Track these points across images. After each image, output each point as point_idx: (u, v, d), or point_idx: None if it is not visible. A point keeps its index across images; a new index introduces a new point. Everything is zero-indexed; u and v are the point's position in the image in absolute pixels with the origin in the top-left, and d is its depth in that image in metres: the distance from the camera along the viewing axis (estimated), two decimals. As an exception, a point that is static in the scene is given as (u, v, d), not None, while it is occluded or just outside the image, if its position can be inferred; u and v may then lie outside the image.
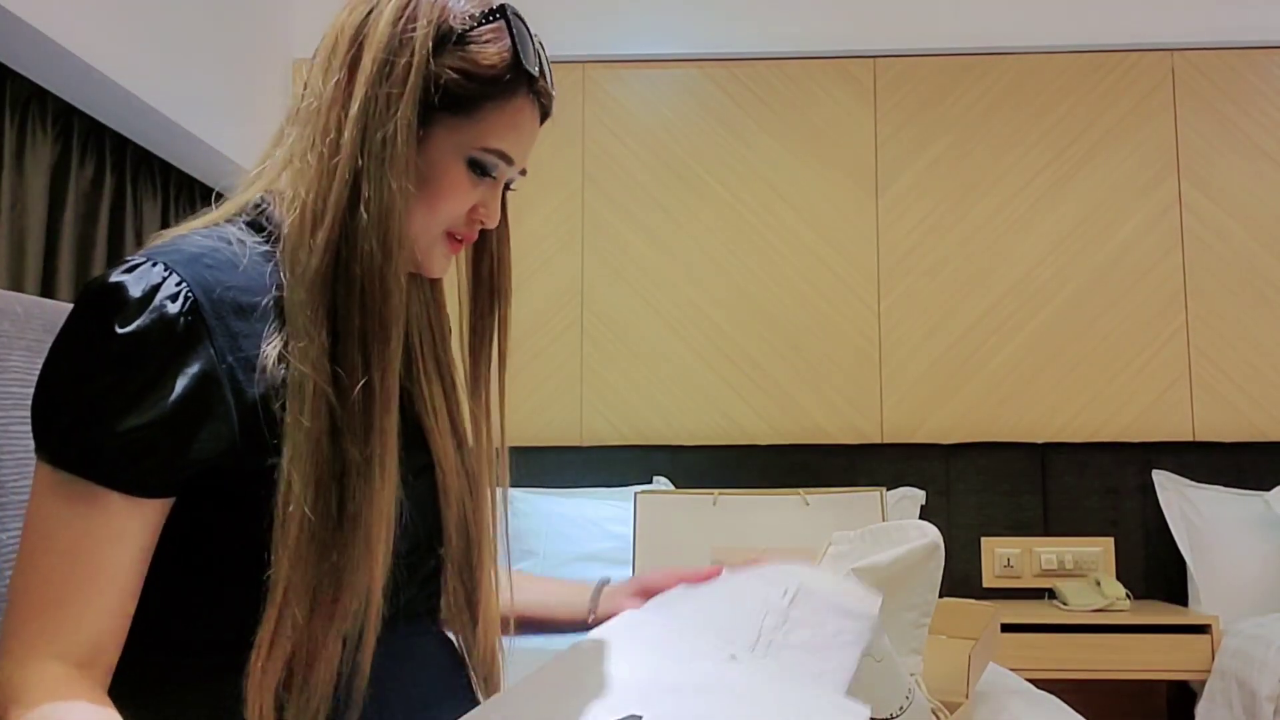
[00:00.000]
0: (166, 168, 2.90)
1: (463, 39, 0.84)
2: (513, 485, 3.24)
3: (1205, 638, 2.63)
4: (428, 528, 0.89)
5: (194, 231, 0.84)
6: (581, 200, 3.43)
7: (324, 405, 0.78)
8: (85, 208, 2.58)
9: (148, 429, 0.74)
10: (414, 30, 0.82)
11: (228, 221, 0.86)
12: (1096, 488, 3.12)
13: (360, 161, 0.81)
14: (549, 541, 2.84)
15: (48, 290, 2.42)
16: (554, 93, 0.91)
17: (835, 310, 3.34)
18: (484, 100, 0.85)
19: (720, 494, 1.91)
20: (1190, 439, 3.20)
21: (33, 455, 0.93)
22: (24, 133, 2.36)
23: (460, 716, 0.89)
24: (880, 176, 3.39)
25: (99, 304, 0.76)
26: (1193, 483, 3.02)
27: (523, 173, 0.93)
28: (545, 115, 0.92)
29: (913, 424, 3.29)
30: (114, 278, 0.77)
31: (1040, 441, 3.21)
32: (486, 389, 0.96)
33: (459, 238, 0.90)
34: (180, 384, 0.76)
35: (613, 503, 2.88)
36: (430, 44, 0.83)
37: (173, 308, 0.76)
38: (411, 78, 0.82)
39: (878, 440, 3.29)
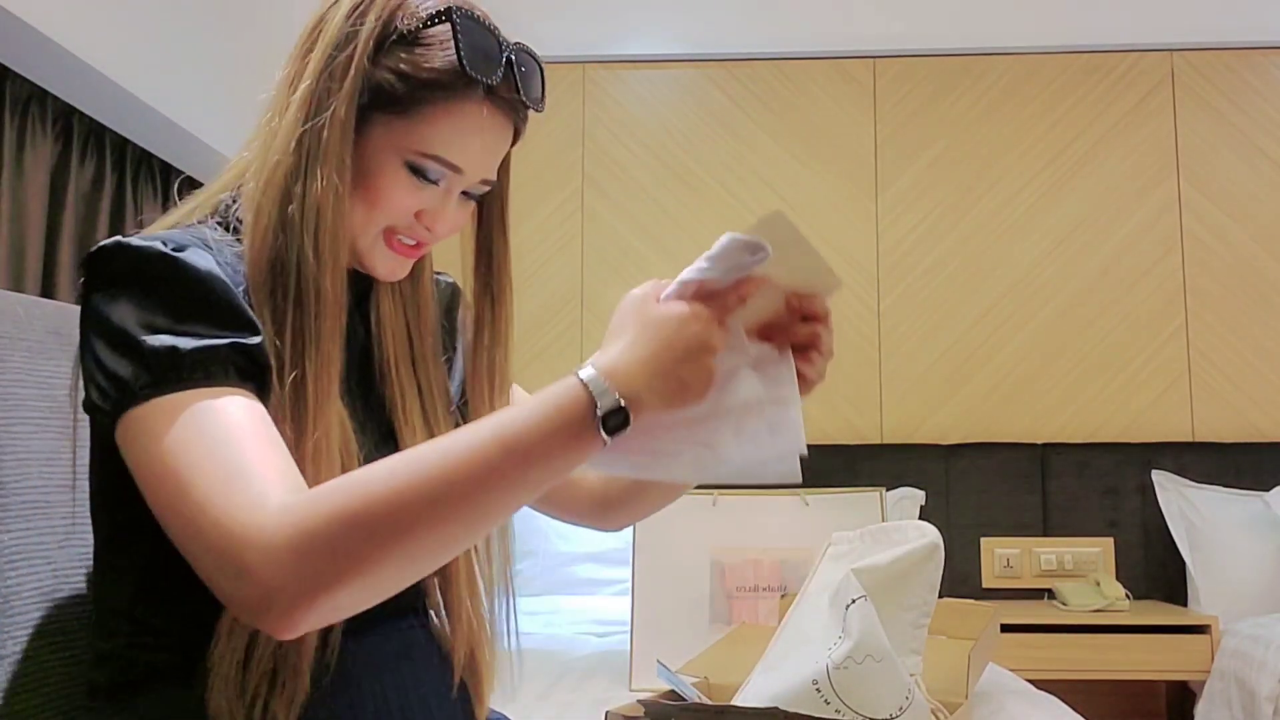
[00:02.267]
0: (166, 168, 2.91)
1: (406, 39, 0.83)
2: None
3: (1204, 638, 2.63)
4: None
5: (169, 230, 0.84)
6: (581, 200, 3.43)
7: (284, 406, 0.77)
8: (85, 208, 2.58)
9: (218, 317, 0.76)
10: (361, 27, 0.82)
11: (200, 221, 0.86)
12: (1096, 488, 3.12)
13: (294, 158, 0.81)
14: (549, 541, 2.85)
15: (48, 291, 2.43)
16: (528, 100, 0.87)
17: (835, 310, 3.30)
18: (423, 104, 0.82)
19: (720, 494, 1.91)
20: (1189, 439, 3.20)
21: (34, 455, 0.93)
22: (24, 133, 2.36)
23: (448, 712, 0.89)
24: (879, 177, 3.40)
25: (128, 248, 0.76)
26: (1192, 483, 3.03)
27: (484, 183, 0.89)
28: (517, 122, 0.89)
29: (912, 424, 3.29)
30: (110, 240, 0.78)
31: (1040, 442, 3.22)
32: (491, 392, 0.95)
33: (408, 242, 0.87)
34: (218, 279, 0.77)
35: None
36: (373, 42, 0.82)
37: (205, 258, 0.78)
38: (351, 73, 0.81)
39: (877, 440, 3.29)
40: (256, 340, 0.76)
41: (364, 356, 0.92)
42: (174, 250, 0.77)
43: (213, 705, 0.75)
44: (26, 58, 2.27)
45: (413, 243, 0.88)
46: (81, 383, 0.78)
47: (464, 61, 0.82)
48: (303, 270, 0.79)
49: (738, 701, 1.12)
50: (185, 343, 0.73)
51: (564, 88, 3.48)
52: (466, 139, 0.84)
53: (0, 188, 2.29)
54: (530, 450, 0.69)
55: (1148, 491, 3.06)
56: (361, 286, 0.93)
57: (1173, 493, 3.01)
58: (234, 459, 0.69)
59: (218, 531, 0.67)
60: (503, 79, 0.84)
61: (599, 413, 0.69)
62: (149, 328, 0.74)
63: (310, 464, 0.76)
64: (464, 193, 0.89)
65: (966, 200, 3.37)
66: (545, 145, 3.45)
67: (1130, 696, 3.04)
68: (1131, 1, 3.28)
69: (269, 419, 0.75)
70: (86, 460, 0.87)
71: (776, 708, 0.96)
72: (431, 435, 0.92)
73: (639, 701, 1.06)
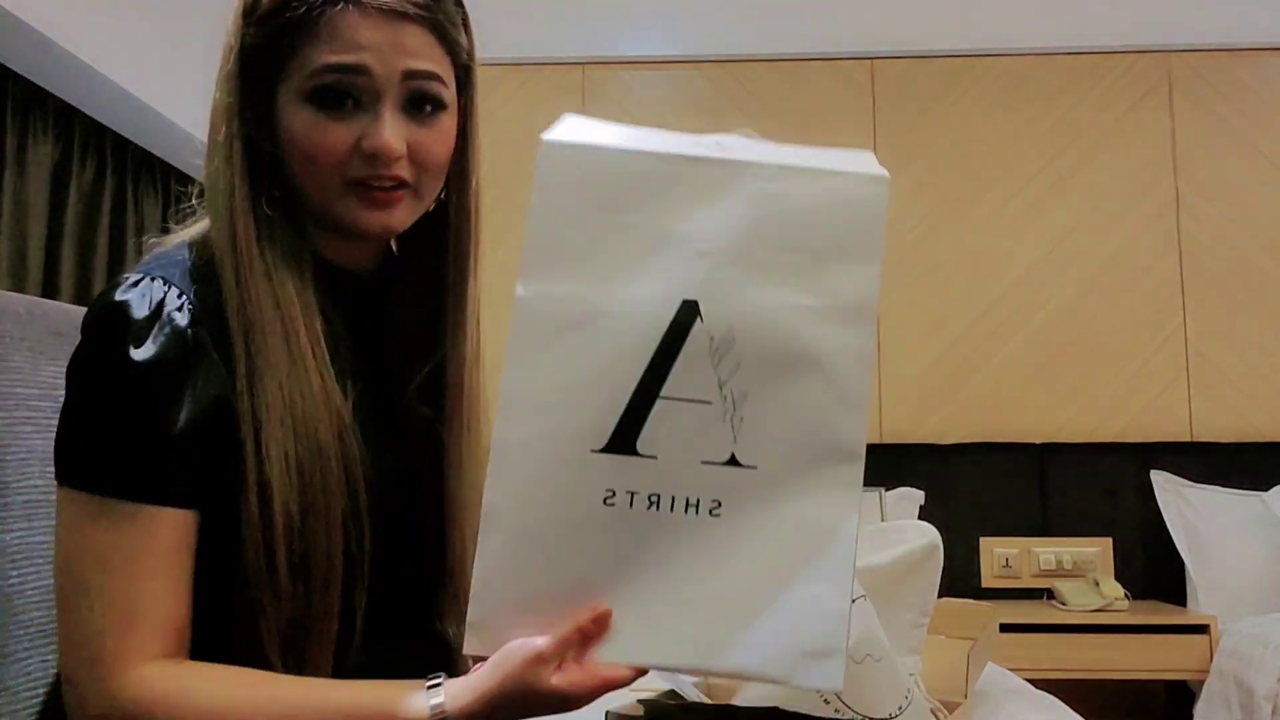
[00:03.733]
0: (167, 168, 2.91)
1: (253, 5, 0.82)
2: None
3: (1203, 637, 2.64)
4: (413, 533, 0.88)
5: (183, 243, 0.84)
6: (581, 201, 3.43)
7: (244, 416, 0.78)
8: (86, 208, 2.59)
9: (181, 441, 0.76)
10: (231, 17, 0.83)
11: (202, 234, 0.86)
12: (1095, 488, 3.12)
13: (214, 163, 0.82)
14: (548, 542, 2.85)
15: (49, 291, 2.43)
16: None
17: (834, 311, 3.34)
18: (285, 35, 0.79)
19: (720, 494, 1.91)
20: (1188, 439, 3.21)
21: (35, 455, 0.94)
22: (25, 134, 2.36)
23: None
24: (879, 177, 3.40)
25: (109, 327, 0.77)
26: (1190, 483, 3.03)
27: (425, 77, 0.81)
28: (409, 14, 0.80)
29: (911, 424, 3.29)
30: (118, 296, 0.78)
31: (1039, 442, 3.22)
32: (467, 358, 0.91)
33: (372, 185, 0.81)
34: (202, 392, 0.77)
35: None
36: (240, 19, 0.82)
37: (181, 320, 0.77)
38: (233, 59, 0.82)
39: (876, 440, 3.29)
40: (194, 430, 0.77)
41: (379, 360, 0.90)
42: (139, 340, 0.77)
43: None
44: (27, 59, 2.27)
45: (383, 185, 0.81)
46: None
47: None
48: (228, 274, 0.81)
49: (738, 701, 1.12)
50: (139, 451, 0.76)
51: (563, 88, 3.48)
52: (345, 39, 0.78)
53: (2, 188, 2.29)
54: None
55: (1146, 491, 3.07)
56: (381, 282, 0.91)
57: (1171, 493, 3.01)
58: (116, 606, 0.74)
59: (71, 670, 0.75)
60: None
61: None
62: (104, 417, 0.76)
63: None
64: (411, 105, 0.81)
65: (965, 201, 3.37)
66: (545, 146, 3.45)
67: (1129, 696, 3.04)
68: (1129, 3, 3.29)
69: (182, 548, 0.77)
70: None
71: (776, 707, 0.97)
72: (444, 438, 0.90)
73: (639, 701, 1.06)
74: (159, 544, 0.76)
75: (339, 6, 0.78)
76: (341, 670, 0.80)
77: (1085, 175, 3.35)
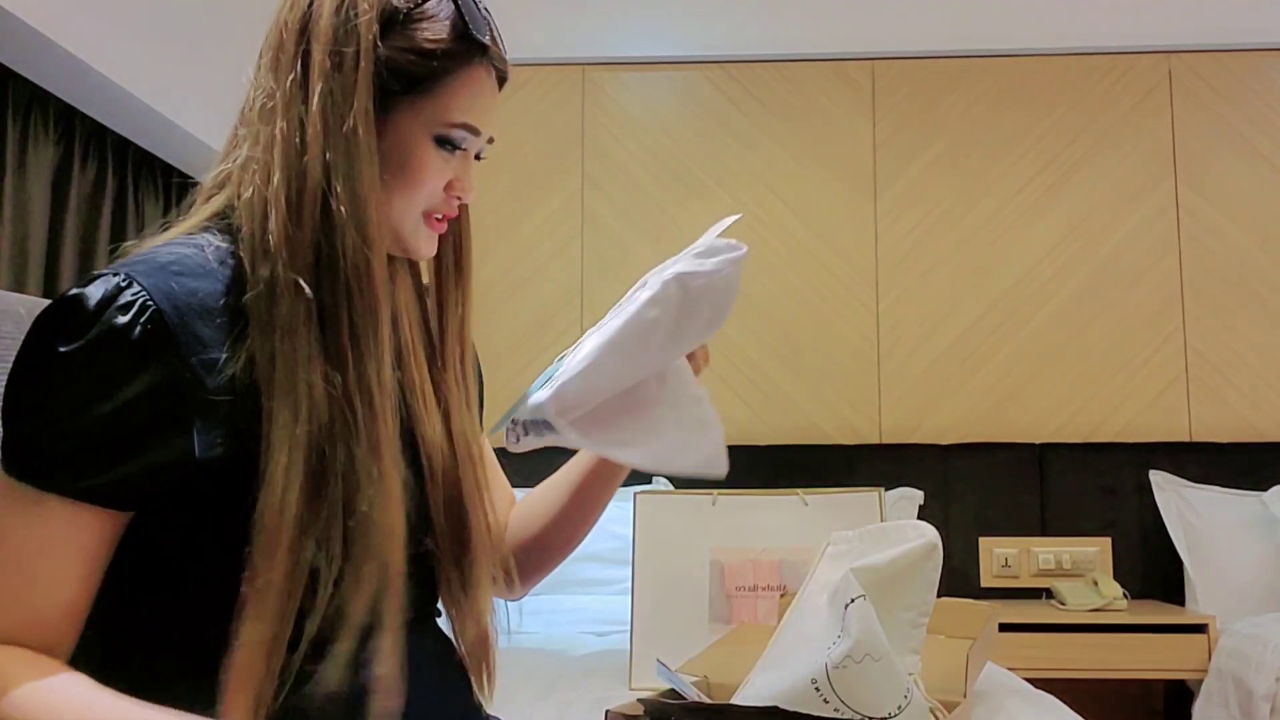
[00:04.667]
0: (168, 169, 2.91)
1: (408, 18, 0.84)
2: (514, 486, 3.24)
3: (1202, 637, 2.64)
4: (417, 525, 0.89)
5: (168, 242, 0.85)
6: (581, 201, 3.44)
7: (322, 403, 0.78)
8: (87, 209, 2.59)
9: (91, 435, 0.75)
10: (357, 18, 0.82)
11: (202, 229, 0.86)
12: (1094, 488, 3.13)
13: (328, 156, 0.81)
14: (549, 542, 2.85)
15: (50, 292, 2.43)
16: (506, 56, 0.91)
17: (834, 311, 3.35)
18: (441, 75, 0.85)
19: (719, 494, 1.92)
20: (1187, 439, 3.21)
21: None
22: (26, 135, 2.37)
23: (457, 715, 0.89)
24: (878, 178, 3.40)
25: (51, 321, 0.77)
26: (1190, 483, 3.03)
27: (490, 140, 0.92)
28: (502, 80, 0.92)
29: (911, 424, 3.30)
30: (74, 290, 0.78)
31: (1038, 442, 3.22)
32: (459, 364, 0.97)
33: (439, 216, 0.90)
34: (129, 393, 0.76)
35: (612, 502, 2.88)
36: (376, 28, 0.83)
37: (122, 319, 0.76)
38: (362, 66, 0.82)
39: (876, 440, 3.30)
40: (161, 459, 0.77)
41: None
42: (141, 319, 0.77)
43: (230, 711, 0.76)
44: (28, 59, 2.28)
45: (442, 217, 0.91)
46: None
47: (469, 26, 0.85)
48: (353, 268, 0.80)
49: (737, 701, 1.12)
50: (46, 439, 0.75)
51: (564, 89, 3.48)
52: (481, 100, 0.88)
53: (3, 189, 2.30)
54: None
55: (1145, 491, 3.07)
56: None
57: (1170, 492, 3.02)
58: (3, 592, 0.75)
59: None
60: (491, 42, 0.88)
61: None
62: (30, 406, 0.76)
63: (370, 478, 0.80)
64: (475, 156, 0.92)
65: (965, 201, 3.38)
66: (545, 146, 3.46)
67: (1128, 695, 3.05)
68: (1128, 3, 3.29)
69: (85, 545, 0.77)
70: None
71: (776, 707, 0.97)
72: (446, 421, 0.93)
73: (639, 700, 1.06)
74: (55, 538, 0.76)
75: (482, 65, 0.88)
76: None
77: (1085, 175, 3.35)
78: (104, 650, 0.84)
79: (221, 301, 0.81)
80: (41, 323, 0.77)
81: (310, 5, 0.84)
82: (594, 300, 3.38)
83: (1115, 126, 3.36)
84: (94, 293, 0.77)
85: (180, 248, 0.83)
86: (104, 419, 0.75)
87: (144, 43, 2.53)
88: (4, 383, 0.80)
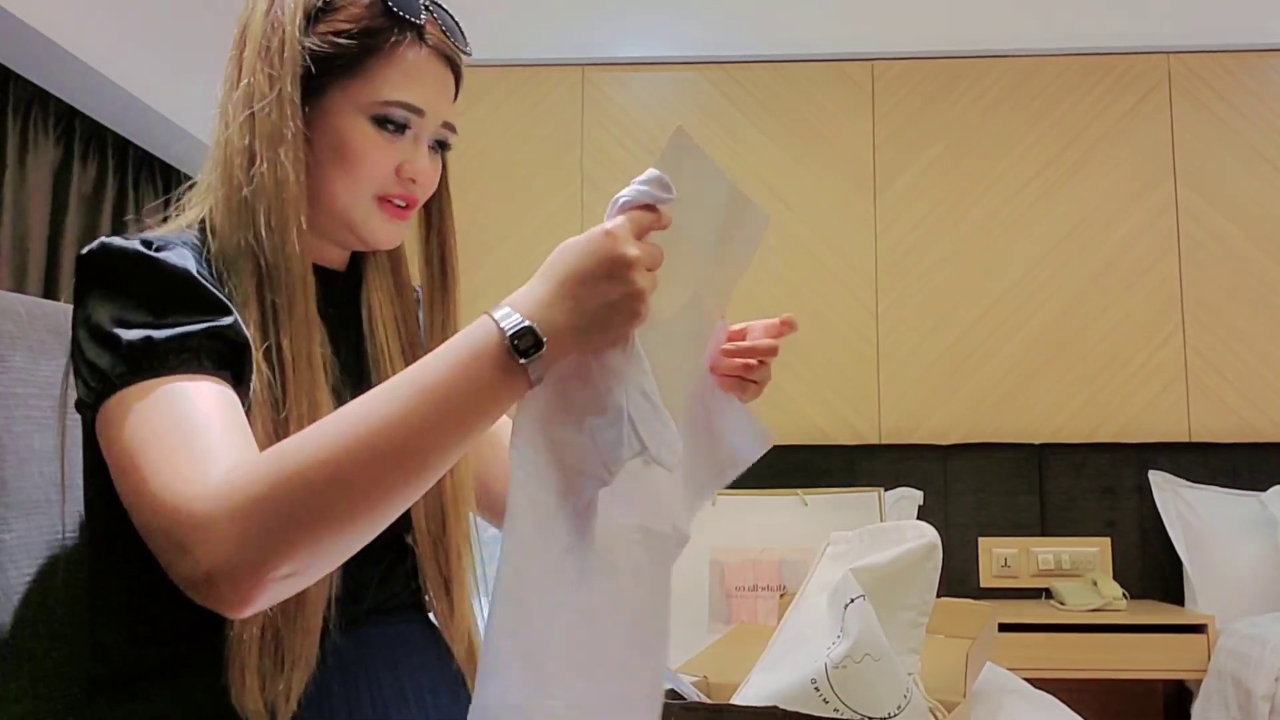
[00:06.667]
0: (168, 169, 2.91)
1: (329, 5, 0.87)
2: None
3: (1201, 637, 2.64)
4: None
5: (159, 234, 0.86)
6: (581, 202, 3.44)
7: (262, 379, 0.79)
8: (87, 209, 2.59)
9: (212, 324, 0.77)
10: (283, 14, 0.86)
11: (188, 227, 0.88)
12: (1093, 488, 3.13)
13: (254, 146, 0.83)
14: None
15: (50, 292, 2.43)
16: (456, 42, 0.90)
17: (833, 311, 3.35)
18: (366, 54, 0.86)
19: (719, 494, 1.92)
20: (1186, 440, 3.21)
21: (35, 454, 0.94)
22: (26, 135, 2.37)
23: (449, 704, 0.90)
24: (878, 178, 3.40)
25: (119, 243, 0.78)
26: (1189, 483, 3.04)
27: (450, 128, 0.91)
28: (454, 64, 0.91)
29: (910, 425, 3.30)
30: (99, 241, 0.80)
31: (1037, 442, 3.22)
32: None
33: (397, 202, 0.90)
34: (188, 273, 0.79)
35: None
36: (299, 18, 0.85)
37: (156, 248, 0.80)
38: (286, 54, 0.85)
39: (875, 441, 3.30)
40: (230, 320, 0.78)
41: (358, 351, 0.94)
42: (153, 250, 0.79)
43: (234, 693, 0.76)
44: (29, 60, 2.28)
45: (403, 203, 0.90)
46: (73, 381, 0.80)
47: (392, 4, 0.86)
48: (273, 254, 0.81)
49: (737, 700, 1.12)
50: (159, 333, 0.75)
51: (563, 90, 3.48)
52: (416, 79, 0.87)
53: (3, 189, 2.30)
54: (450, 389, 0.67)
55: (1145, 491, 3.07)
56: (352, 281, 0.95)
57: (1169, 493, 3.02)
58: (187, 439, 0.70)
59: (162, 508, 0.67)
60: (428, 23, 0.88)
61: (507, 333, 0.67)
62: (125, 323, 0.76)
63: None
64: (434, 145, 0.92)
65: (965, 202, 3.38)
66: (545, 147, 3.46)
67: (1127, 695, 3.05)
68: (1128, 4, 3.29)
69: (237, 406, 0.75)
70: (80, 460, 0.88)
71: (776, 706, 0.97)
72: None
73: (639, 700, 1.06)
74: (219, 404, 0.74)
75: (414, 43, 0.87)
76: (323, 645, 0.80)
77: (1085, 175, 3.35)
78: (96, 632, 0.85)
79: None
80: (103, 251, 0.79)
81: (249, 12, 0.89)
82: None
83: (1114, 127, 3.36)
84: (119, 239, 0.80)
85: (165, 237, 0.85)
86: (193, 291, 0.78)
87: (144, 43, 2.53)
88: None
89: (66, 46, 2.21)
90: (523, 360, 0.67)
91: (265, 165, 0.83)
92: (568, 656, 0.68)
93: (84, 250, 0.80)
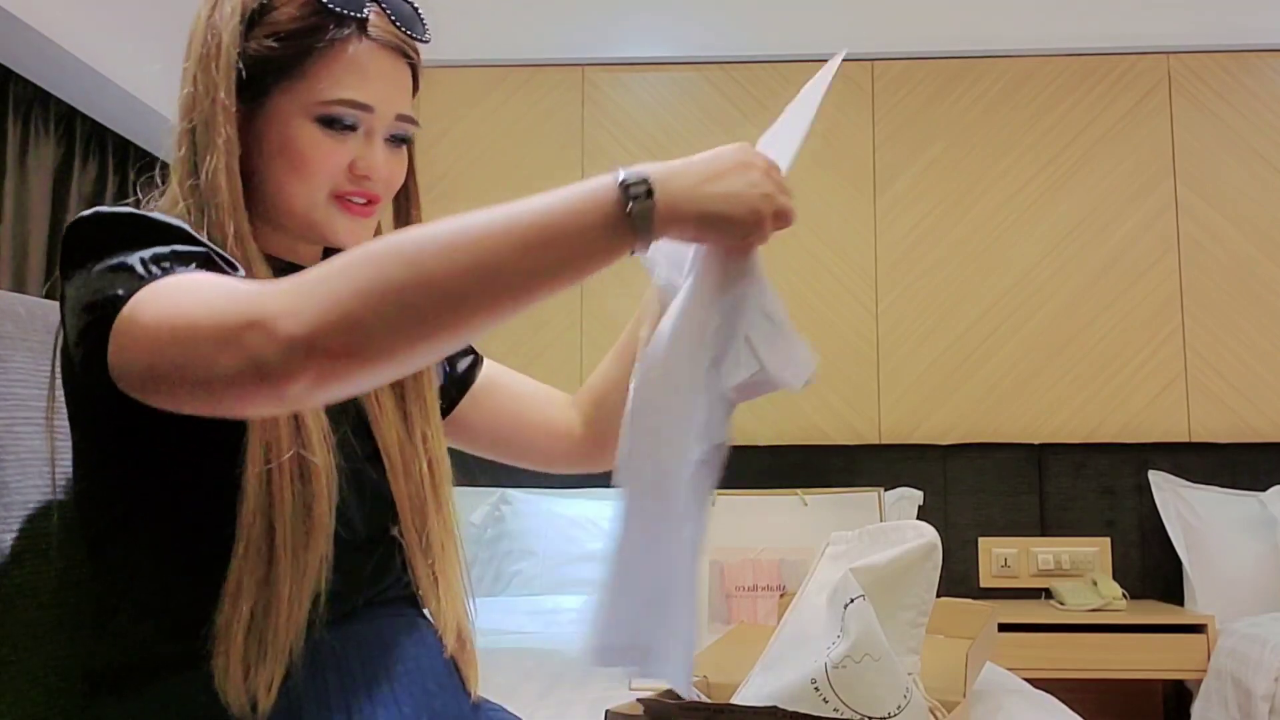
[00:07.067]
0: (168, 170, 2.91)
1: (265, 8, 0.86)
2: (514, 485, 3.26)
3: (1201, 637, 2.64)
4: (382, 511, 0.91)
5: None
6: (580, 201, 3.44)
7: None
8: (88, 209, 2.59)
9: (220, 254, 0.78)
10: (220, 18, 0.85)
11: None
12: (1093, 488, 3.13)
13: (192, 156, 0.85)
14: (549, 542, 2.85)
15: (50, 292, 2.44)
16: (411, 31, 0.88)
17: (833, 311, 3.35)
18: (304, 55, 0.85)
19: (719, 494, 1.92)
20: (1186, 440, 3.21)
21: (35, 455, 0.94)
22: (27, 135, 2.37)
23: (446, 696, 0.90)
24: (878, 179, 3.40)
25: (105, 212, 0.78)
26: (1188, 483, 3.04)
27: (407, 120, 0.90)
28: (407, 54, 0.89)
29: (910, 424, 3.30)
30: (92, 209, 0.80)
31: (1037, 442, 3.23)
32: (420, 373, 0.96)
33: (356, 200, 0.88)
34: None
35: (613, 503, 2.89)
36: (236, 24, 0.85)
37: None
38: (223, 61, 0.84)
39: (875, 441, 3.30)
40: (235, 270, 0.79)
41: None
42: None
43: (217, 679, 0.77)
44: (29, 60, 2.28)
45: (363, 200, 0.89)
46: (60, 371, 0.81)
47: (328, 2, 0.85)
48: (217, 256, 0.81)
49: (737, 700, 1.12)
50: (166, 248, 0.75)
51: (563, 90, 3.48)
52: (360, 75, 0.86)
53: (3, 189, 2.30)
54: (554, 221, 0.67)
55: (1144, 491, 3.07)
56: None
57: (1169, 493, 3.02)
58: (233, 290, 0.68)
59: (219, 315, 0.65)
60: (374, 15, 0.87)
61: (620, 178, 0.69)
62: (129, 255, 0.75)
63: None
64: (392, 138, 0.90)
65: (965, 201, 3.38)
66: (544, 147, 3.46)
67: (1127, 695, 3.05)
68: (1129, 3, 3.29)
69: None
70: (73, 458, 0.89)
71: (775, 706, 0.97)
72: (404, 419, 0.94)
73: (638, 700, 1.06)
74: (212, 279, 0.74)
75: (355, 38, 0.86)
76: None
77: (1085, 175, 3.35)
78: (96, 628, 0.86)
79: None
80: (94, 217, 0.78)
81: (195, 18, 0.88)
82: (594, 300, 3.38)
83: (1114, 127, 3.36)
84: (102, 207, 0.80)
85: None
86: (192, 238, 0.78)
87: (144, 43, 2.53)
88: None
89: (66, 46, 2.21)
90: (631, 205, 0.68)
91: (202, 176, 0.84)
92: (682, 591, 0.71)
93: (76, 217, 0.79)
